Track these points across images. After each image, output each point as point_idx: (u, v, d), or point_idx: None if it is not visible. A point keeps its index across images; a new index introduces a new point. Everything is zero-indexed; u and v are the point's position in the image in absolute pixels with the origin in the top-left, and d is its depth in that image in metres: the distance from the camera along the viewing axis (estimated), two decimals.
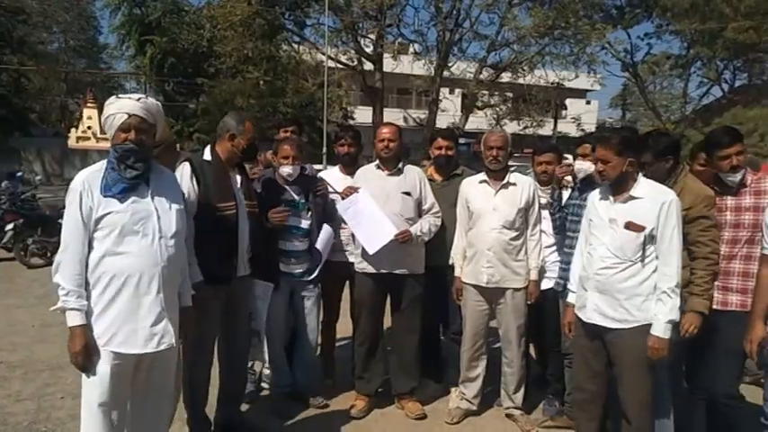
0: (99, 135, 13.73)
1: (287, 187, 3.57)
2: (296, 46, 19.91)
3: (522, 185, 3.54)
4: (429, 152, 4.33)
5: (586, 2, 18.23)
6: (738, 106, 20.38)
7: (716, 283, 2.83)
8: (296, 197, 3.56)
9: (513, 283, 3.51)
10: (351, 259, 3.78)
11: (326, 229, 3.66)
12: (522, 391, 3.65)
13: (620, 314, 2.72)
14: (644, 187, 2.73)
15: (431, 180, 3.90)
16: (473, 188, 3.63)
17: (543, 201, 3.61)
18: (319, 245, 3.61)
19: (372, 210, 3.53)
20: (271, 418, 3.56)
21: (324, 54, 18.33)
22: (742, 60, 23.92)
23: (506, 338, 3.60)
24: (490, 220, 3.50)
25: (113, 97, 2.47)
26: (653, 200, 2.67)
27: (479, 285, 3.55)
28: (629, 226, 2.68)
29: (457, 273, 3.66)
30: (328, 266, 3.73)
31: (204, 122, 18.47)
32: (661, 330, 2.62)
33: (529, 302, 3.53)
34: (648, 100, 26.79)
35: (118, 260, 2.33)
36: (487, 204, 3.53)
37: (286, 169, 3.50)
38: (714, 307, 2.82)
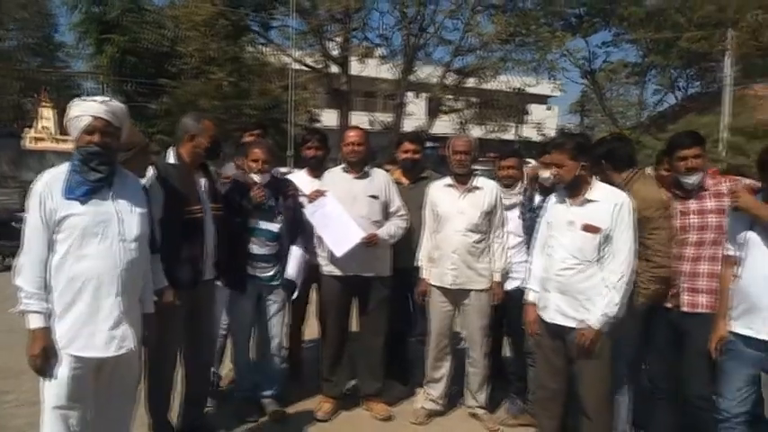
0: (56, 136, 13.27)
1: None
2: (261, 48, 19.74)
3: (487, 189, 3.63)
4: (394, 156, 4.41)
5: (547, 10, 18.71)
6: (692, 113, 21.11)
7: (684, 285, 2.94)
8: (265, 200, 3.55)
9: (478, 284, 3.59)
10: (318, 262, 3.80)
11: (296, 253, 3.61)
12: (486, 390, 3.73)
13: (580, 314, 2.84)
14: (599, 190, 2.88)
15: (398, 183, 3.97)
16: (439, 192, 3.70)
17: (507, 203, 3.70)
18: (291, 271, 3.56)
19: (339, 213, 3.56)
20: (233, 422, 3.54)
21: (289, 56, 18.24)
22: (695, 69, 24.83)
23: (470, 339, 3.68)
24: (455, 223, 3.58)
25: (77, 99, 2.46)
26: (607, 202, 2.82)
27: (444, 287, 3.62)
28: (587, 228, 2.81)
29: (423, 275, 3.72)
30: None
31: (166, 124, 18.09)
32: (593, 321, 2.76)
33: (493, 303, 3.62)
34: (606, 106, 27.52)
35: (78, 263, 2.32)
36: (453, 208, 3.61)
37: (256, 178, 3.49)
38: (684, 309, 2.93)
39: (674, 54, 22.24)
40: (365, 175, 3.74)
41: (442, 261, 3.62)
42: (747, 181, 3.01)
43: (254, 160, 3.51)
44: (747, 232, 2.67)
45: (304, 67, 18.77)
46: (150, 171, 3.01)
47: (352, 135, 3.76)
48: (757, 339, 2.64)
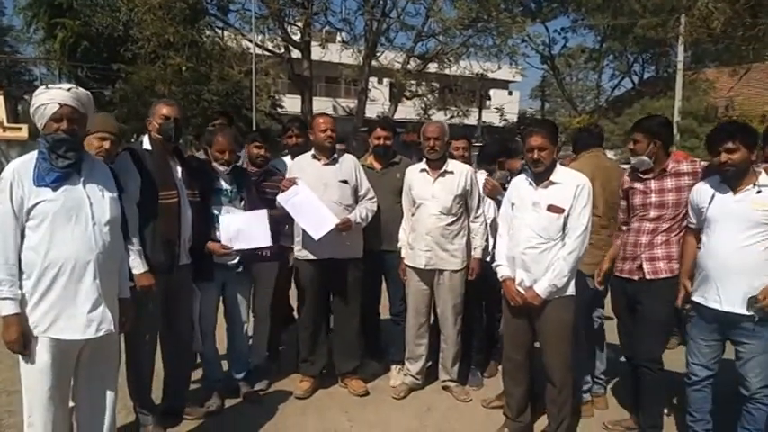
0: (6, 124, 12.72)
1: (219, 176, 3.53)
2: (220, 32, 19.35)
3: (460, 173, 3.75)
4: (352, 143, 4.52)
5: None
6: (647, 97, 21.86)
7: (643, 255, 3.12)
8: (227, 186, 3.54)
9: (451, 265, 3.73)
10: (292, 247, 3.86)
11: (255, 219, 3.50)
12: (458, 365, 3.90)
13: None
14: (561, 173, 3.05)
15: (370, 168, 4.06)
16: (415, 176, 3.81)
17: None
18: (261, 237, 3.48)
19: (312, 201, 3.62)
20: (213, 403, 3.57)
21: (250, 41, 17.97)
22: (650, 54, 25.64)
23: (443, 317, 3.82)
24: (429, 207, 3.70)
25: (42, 87, 2.48)
26: (569, 184, 3.00)
27: (419, 268, 3.74)
28: (551, 208, 2.98)
29: (402, 254, 3.84)
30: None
31: (122, 110, 17.62)
32: (541, 289, 2.96)
33: (470, 278, 3.76)
34: (565, 91, 28.21)
35: (52, 248, 2.34)
36: (426, 192, 3.72)
37: (220, 168, 3.50)
38: (648, 277, 3.10)
39: (630, 40, 22.91)
40: (334, 161, 3.81)
41: (416, 243, 3.74)
42: (705, 163, 3.19)
43: (220, 151, 3.49)
44: (707, 209, 2.87)
45: (265, 52, 18.52)
46: (124, 156, 3.04)
47: (324, 122, 3.81)
48: (710, 308, 2.86)
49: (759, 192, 2.75)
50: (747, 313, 2.75)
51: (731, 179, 2.81)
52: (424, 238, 3.70)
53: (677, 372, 3.40)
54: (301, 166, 3.82)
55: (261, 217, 3.49)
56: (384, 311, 4.33)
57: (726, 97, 18.08)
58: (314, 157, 3.82)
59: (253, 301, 3.90)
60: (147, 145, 3.18)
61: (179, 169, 3.24)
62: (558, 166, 3.10)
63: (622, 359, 3.67)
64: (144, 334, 3.09)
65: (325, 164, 3.79)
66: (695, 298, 2.95)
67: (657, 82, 24.21)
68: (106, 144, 3.00)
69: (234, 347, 3.76)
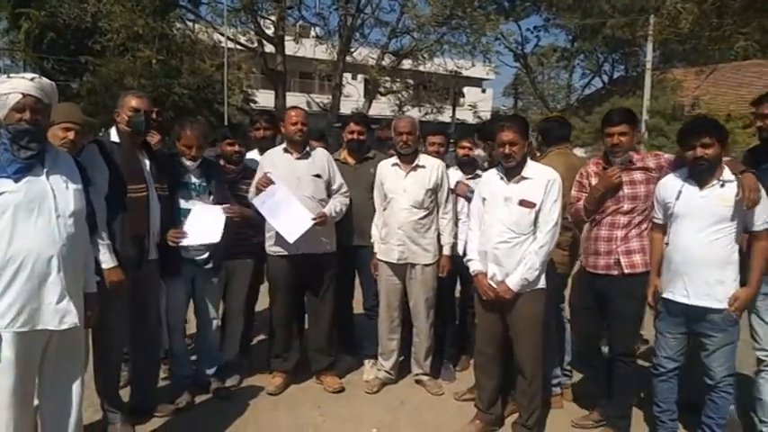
0: None
1: (188, 170, 3.47)
2: (191, 24, 19.02)
3: (432, 167, 3.76)
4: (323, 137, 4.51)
5: None
6: (616, 96, 22.26)
7: (619, 250, 3.13)
8: (196, 180, 3.48)
9: (423, 259, 3.74)
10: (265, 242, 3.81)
11: (210, 214, 3.41)
12: (431, 359, 3.92)
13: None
14: (532, 168, 3.08)
15: (344, 163, 4.04)
16: (386, 171, 3.81)
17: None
18: (204, 235, 3.37)
19: (289, 200, 3.57)
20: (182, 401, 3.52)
21: (222, 34, 17.70)
22: (619, 54, 26.08)
23: (416, 311, 3.84)
24: (401, 201, 3.70)
25: (4, 76, 2.41)
26: (541, 178, 3.03)
27: (391, 262, 3.74)
28: (523, 203, 3.01)
29: (375, 249, 3.83)
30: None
31: (89, 103, 17.20)
32: (513, 283, 2.99)
33: (441, 275, 3.78)
34: (537, 89, 28.50)
35: (14, 241, 2.28)
36: (398, 186, 3.72)
37: (187, 163, 3.44)
38: (626, 271, 3.12)
39: (600, 40, 23.28)
40: (307, 155, 3.77)
41: (389, 237, 3.74)
42: (669, 156, 3.26)
43: (187, 146, 3.43)
44: (674, 204, 2.92)
45: (237, 46, 18.27)
46: (91, 148, 2.97)
47: (295, 115, 3.76)
48: (677, 302, 2.92)
49: (723, 186, 2.82)
50: (714, 307, 2.82)
51: (701, 174, 2.86)
52: (396, 233, 3.71)
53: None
54: (273, 161, 3.76)
55: (218, 213, 3.41)
56: (357, 307, 4.32)
57: (692, 96, 18.50)
58: (285, 150, 3.78)
59: (226, 298, 3.85)
60: (114, 137, 3.12)
61: (147, 162, 3.19)
62: (528, 161, 3.13)
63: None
64: (111, 330, 3.03)
65: (298, 158, 3.75)
66: (663, 294, 3.00)
67: (627, 81, 24.64)
68: (71, 135, 2.93)
69: (203, 343, 3.71)
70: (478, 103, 25.89)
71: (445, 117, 23.84)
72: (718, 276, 2.82)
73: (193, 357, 3.86)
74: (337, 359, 4.04)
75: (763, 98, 3.16)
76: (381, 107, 21.86)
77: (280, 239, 3.66)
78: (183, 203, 3.41)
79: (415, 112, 20.50)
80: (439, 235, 3.80)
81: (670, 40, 13.18)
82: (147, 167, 3.17)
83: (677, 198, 2.91)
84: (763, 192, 2.79)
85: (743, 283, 2.87)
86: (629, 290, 3.12)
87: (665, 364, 3.05)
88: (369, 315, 4.12)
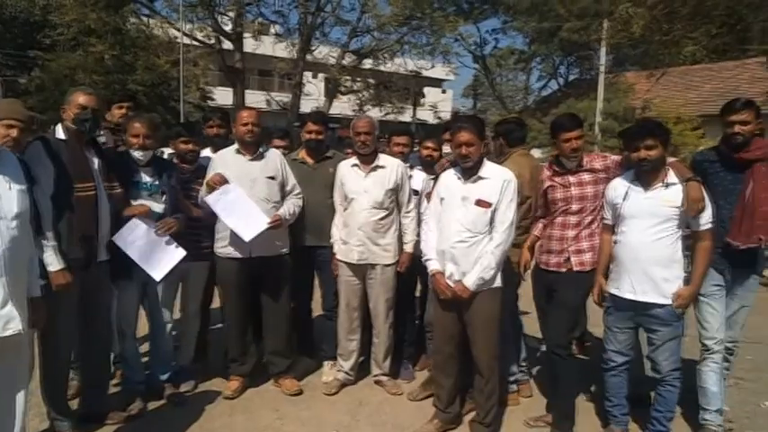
0: None
1: (139, 168, 3.35)
2: (146, 19, 18.54)
3: (391, 167, 3.76)
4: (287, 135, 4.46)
5: None
6: (571, 98, 22.82)
7: (570, 249, 3.24)
8: (148, 179, 3.38)
9: (383, 259, 3.74)
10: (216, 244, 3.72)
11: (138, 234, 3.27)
12: (390, 359, 3.92)
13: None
14: (489, 168, 3.12)
15: (303, 163, 4.00)
16: (346, 171, 3.79)
17: None
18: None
19: (243, 201, 3.51)
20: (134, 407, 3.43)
21: (178, 30, 17.32)
22: (574, 57, 26.75)
23: (375, 311, 3.83)
24: (361, 202, 3.68)
25: None
26: (497, 179, 3.07)
27: (351, 262, 3.73)
28: (479, 203, 3.04)
29: (335, 250, 3.81)
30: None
31: (39, 99, 16.55)
32: (469, 282, 3.03)
33: (399, 270, 3.78)
34: (496, 91, 28.98)
35: None
36: (359, 186, 3.71)
37: (136, 154, 3.33)
38: (575, 269, 3.23)
39: (556, 43, 23.83)
40: (260, 156, 3.71)
41: (349, 238, 3.72)
42: (615, 157, 3.36)
43: (135, 135, 3.31)
44: (622, 205, 3.02)
45: (194, 42, 17.92)
46: (36, 146, 2.85)
47: (246, 115, 3.68)
48: (624, 298, 3.02)
49: (667, 187, 2.92)
50: (659, 302, 2.92)
51: (645, 175, 2.97)
52: (356, 233, 3.69)
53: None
54: (225, 161, 3.67)
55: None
56: (317, 308, 4.28)
57: (643, 99, 19.13)
58: (238, 152, 3.70)
59: (181, 301, 3.76)
60: (60, 134, 3.00)
61: (96, 160, 3.08)
62: (485, 161, 3.16)
63: (543, 348, 3.82)
64: (59, 335, 2.91)
65: (251, 159, 3.68)
66: (611, 290, 3.10)
67: (581, 84, 25.28)
68: (13, 132, 2.79)
69: (156, 348, 3.61)
70: (438, 104, 26.09)
71: (406, 117, 23.95)
72: (662, 274, 2.92)
73: (146, 359, 3.75)
74: (295, 361, 3.99)
75: (732, 105, 3.18)
76: (342, 106, 21.81)
77: (231, 241, 3.58)
78: (134, 203, 3.30)
79: (375, 112, 20.55)
80: (399, 235, 3.80)
81: (622, 44, 13.60)
82: (96, 165, 3.06)
83: (624, 199, 3.01)
84: (707, 197, 2.90)
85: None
86: (574, 281, 3.22)
87: (614, 358, 3.14)
88: (328, 316, 4.09)
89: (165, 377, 3.61)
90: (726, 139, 3.17)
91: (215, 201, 3.50)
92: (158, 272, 3.32)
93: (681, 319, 2.98)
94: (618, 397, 3.19)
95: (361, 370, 4.00)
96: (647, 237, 2.93)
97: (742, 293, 3.30)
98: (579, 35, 18.53)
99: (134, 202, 3.29)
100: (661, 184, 2.94)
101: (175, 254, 3.35)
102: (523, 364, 3.84)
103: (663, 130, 2.97)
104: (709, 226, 2.93)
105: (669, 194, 2.91)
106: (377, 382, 3.92)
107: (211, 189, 3.52)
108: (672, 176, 2.95)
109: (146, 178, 3.38)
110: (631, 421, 3.30)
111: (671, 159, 3.06)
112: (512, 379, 3.70)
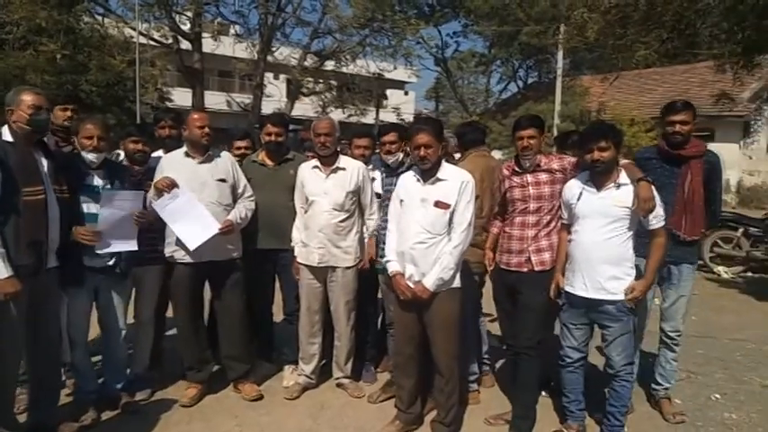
0: None
1: (91, 171, 3.25)
2: (100, 18, 18.00)
3: (352, 169, 3.74)
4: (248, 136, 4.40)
5: None
6: (530, 101, 23.28)
7: (530, 249, 3.29)
8: (100, 182, 3.28)
9: (344, 262, 3.72)
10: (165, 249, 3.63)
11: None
12: (351, 361, 3.90)
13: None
14: (447, 170, 3.14)
15: (262, 165, 3.95)
16: (307, 173, 3.76)
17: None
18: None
19: (193, 205, 3.44)
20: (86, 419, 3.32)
21: (133, 29, 16.87)
22: (533, 61, 27.28)
23: (336, 314, 3.81)
24: (322, 203, 3.66)
25: None
26: (455, 180, 3.10)
27: (312, 265, 3.70)
28: (438, 204, 3.06)
29: (296, 253, 3.77)
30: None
31: None
32: (429, 282, 3.05)
33: (361, 267, 3.77)
34: (457, 93, 29.30)
35: None
36: (319, 188, 3.68)
37: (89, 156, 3.22)
38: (536, 269, 3.28)
39: (516, 46, 24.27)
40: (210, 159, 3.64)
41: (309, 240, 3.69)
42: (571, 158, 3.43)
43: (87, 137, 3.21)
44: (576, 205, 3.10)
45: (151, 42, 17.48)
46: None
47: (199, 118, 3.61)
48: (578, 295, 3.10)
49: (618, 188, 3.01)
50: (609, 299, 3.00)
51: (598, 176, 3.05)
52: (317, 236, 3.67)
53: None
54: (174, 164, 3.57)
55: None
56: (278, 312, 4.23)
57: (598, 102, 19.66)
58: (187, 154, 3.62)
59: (135, 307, 3.66)
60: (6, 136, 2.88)
61: (45, 162, 2.96)
62: (443, 163, 3.19)
63: (504, 347, 3.87)
64: (6, 345, 2.79)
65: (201, 161, 3.61)
66: (566, 287, 3.17)
67: (540, 87, 25.81)
68: None
69: (110, 357, 3.50)
70: (401, 106, 26.19)
71: (369, 119, 23.95)
72: (613, 272, 3.01)
73: (99, 368, 3.64)
74: (255, 366, 3.94)
75: (673, 106, 3.40)
76: (305, 108, 21.65)
77: (183, 245, 3.51)
78: (86, 207, 3.20)
79: (338, 114, 20.49)
80: (361, 237, 3.79)
81: (578, 48, 13.93)
82: (45, 168, 2.95)
83: (578, 199, 3.09)
84: (656, 196, 2.99)
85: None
86: (538, 282, 3.27)
87: (570, 354, 3.21)
88: (289, 320, 4.05)
89: (119, 386, 3.51)
90: (666, 138, 3.39)
91: (162, 206, 3.42)
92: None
93: (631, 314, 3.06)
94: (574, 393, 3.25)
95: (323, 373, 3.97)
96: (599, 236, 3.01)
97: (679, 284, 3.47)
98: (537, 39, 18.91)
99: (85, 207, 3.18)
100: (613, 184, 3.02)
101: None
102: (486, 356, 3.93)
103: (615, 133, 3.06)
104: (662, 223, 3.03)
105: (620, 195, 3.00)
106: (339, 385, 3.90)
107: (159, 192, 3.43)
108: (623, 177, 3.03)
109: (98, 181, 3.27)
110: (588, 416, 3.38)
111: (623, 161, 3.14)
112: (472, 378, 3.74)
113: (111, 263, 3.29)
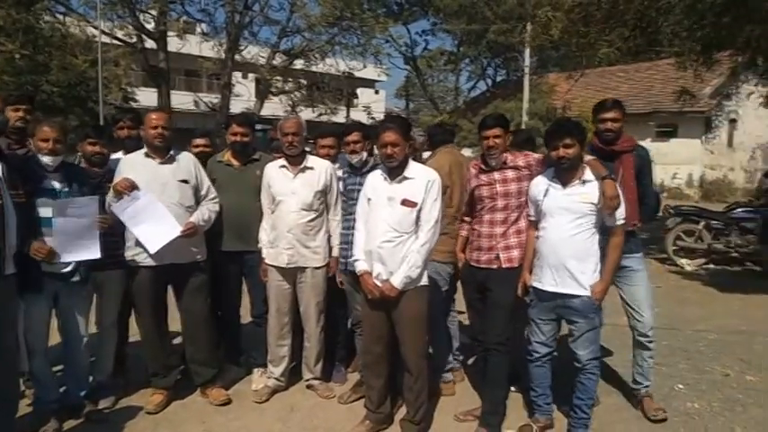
0: None
1: (47, 174, 3.15)
2: (61, 17, 17.52)
3: (320, 169, 3.71)
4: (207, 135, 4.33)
5: None
6: (499, 99, 23.55)
7: (499, 246, 3.31)
8: (58, 186, 3.18)
9: (313, 262, 3.69)
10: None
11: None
12: (321, 362, 3.88)
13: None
14: (414, 168, 3.15)
15: (228, 165, 3.89)
16: (274, 172, 3.72)
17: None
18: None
19: (154, 207, 3.36)
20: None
21: (96, 28, 16.46)
22: (501, 59, 27.59)
23: (306, 315, 3.78)
24: (290, 203, 3.63)
25: None
26: (422, 178, 3.11)
27: (280, 266, 3.66)
28: (405, 202, 3.06)
29: (263, 254, 3.73)
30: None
31: None
32: (397, 281, 3.05)
33: (329, 275, 3.76)
34: (427, 91, 29.46)
35: None
36: (287, 188, 3.65)
37: (45, 159, 3.12)
38: (504, 266, 3.30)
39: (484, 45, 24.52)
40: (171, 160, 3.57)
41: (277, 241, 3.65)
42: (537, 155, 3.47)
43: (44, 140, 3.11)
44: (542, 201, 3.13)
45: (115, 41, 17.09)
46: None
47: (155, 118, 3.53)
48: (546, 290, 3.13)
49: (583, 184, 3.05)
50: (576, 293, 3.04)
51: (564, 173, 3.08)
52: (285, 236, 3.63)
53: None
54: (133, 165, 3.49)
55: (92, 225, 3.17)
56: (246, 315, 4.17)
57: (564, 99, 19.98)
58: (147, 155, 3.54)
59: (97, 313, 3.56)
60: None
61: (1, 166, 2.86)
62: (410, 161, 3.19)
63: (475, 343, 3.89)
64: None
65: (162, 162, 3.53)
66: (534, 283, 3.20)
67: (508, 85, 26.14)
68: None
69: (71, 365, 3.40)
70: (372, 104, 26.18)
71: (339, 118, 23.88)
72: (580, 267, 3.04)
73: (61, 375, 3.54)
74: (223, 370, 3.89)
75: (604, 104, 3.54)
76: (274, 107, 21.42)
77: (142, 248, 3.43)
78: (43, 212, 3.10)
79: (308, 113, 20.36)
80: (329, 237, 3.77)
81: (545, 47, 14.13)
82: (1, 171, 2.85)
83: (544, 196, 3.12)
84: (621, 194, 3.04)
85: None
86: (507, 280, 3.30)
87: (538, 350, 3.24)
88: (257, 323, 4.00)
89: (82, 394, 3.42)
90: (598, 135, 3.51)
91: (122, 209, 3.34)
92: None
93: (598, 309, 3.11)
94: (542, 387, 3.29)
95: (293, 375, 3.94)
96: (566, 232, 3.05)
97: (632, 275, 3.52)
98: (505, 37, 19.10)
99: (42, 211, 3.08)
100: (578, 181, 3.06)
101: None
102: (457, 352, 3.97)
103: (580, 130, 3.10)
104: (622, 222, 3.08)
105: (586, 191, 3.04)
106: (309, 387, 3.87)
107: (119, 195, 3.35)
108: (588, 174, 3.07)
109: (55, 185, 3.18)
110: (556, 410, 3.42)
111: (587, 158, 3.19)
112: (447, 367, 3.79)
113: (70, 269, 3.19)
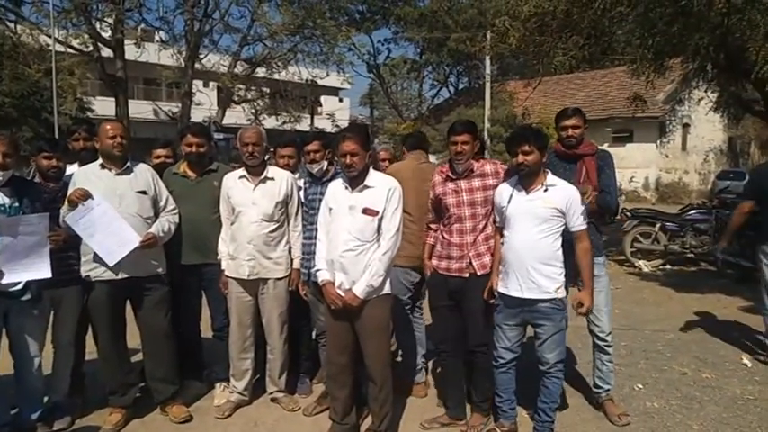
0: None
1: None
2: (12, 25, 16.97)
3: (281, 179, 3.68)
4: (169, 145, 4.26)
5: (332, 4, 19.34)
6: (462, 106, 23.86)
7: (470, 254, 3.33)
8: (5, 200, 3.07)
9: (275, 273, 3.65)
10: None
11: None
12: (285, 375, 3.82)
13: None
14: (374, 177, 3.15)
15: (184, 177, 3.81)
16: (233, 183, 3.67)
17: None
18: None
19: (110, 217, 3.26)
20: None
21: (49, 36, 15.99)
22: (463, 67, 27.95)
23: (269, 327, 3.72)
24: (250, 214, 3.58)
25: None
26: (382, 187, 3.11)
27: (241, 278, 3.60)
28: (366, 211, 3.06)
29: (223, 266, 3.67)
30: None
31: None
32: (359, 290, 3.05)
33: (291, 288, 3.72)
34: (391, 99, 29.57)
35: None
36: (247, 199, 3.60)
37: None
38: (478, 273, 3.32)
39: (445, 53, 24.80)
40: (128, 171, 3.48)
41: (237, 253, 3.60)
42: (503, 165, 3.51)
43: None
44: (506, 207, 3.17)
45: (69, 50, 16.62)
46: None
47: (111, 128, 3.44)
48: (512, 296, 3.16)
49: (546, 190, 3.10)
50: (542, 297, 3.08)
51: (525, 179, 3.13)
52: (245, 247, 3.58)
53: None
54: (89, 177, 3.39)
55: (42, 244, 3.05)
56: (206, 328, 4.09)
57: (524, 106, 20.37)
58: (103, 166, 3.44)
59: (53, 331, 3.44)
60: None
61: None
62: (371, 170, 3.19)
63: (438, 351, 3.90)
64: None
65: (118, 173, 3.44)
66: (500, 289, 3.23)
67: (471, 92, 26.50)
68: None
69: (22, 385, 3.27)
70: (336, 112, 26.15)
71: (304, 126, 23.77)
72: (544, 271, 3.09)
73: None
74: (184, 386, 3.79)
75: (565, 112, 3.68)
76: (237, 116, 21.20)
77: (99, 262, 3.33)
78: None
79: (272, 121, 20.20)
80: (290, 248, 3.73)
81: (504, 55, 14.39)
82: None
83: (508, 202, 3.16)
84: (579, 199, 3.11)
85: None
86: (483, 285, 3.32)
87: (503, 355, 3.27)
88: (218, 336, 3.91)
89: (35, 416, 3.28)
90: (561, 141, 3.65)
91: (75, 220, 3.22)
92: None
93: (562, 312, 3.15)
94: (507, 392, 3.31)
95: (257, 388, 3.87)
96: (530, 237, 3.09)
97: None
98: (465, 45, 19.35)
99: None
100: (541, 186, 3.11)
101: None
102: (423, 359, 3.98)
103: (539, 137, 3.14)
104: (585, 225, 3.14)
105: (549, 196, 3.08)
106: (273, 400, 3.80)
107: (74, 206, 3.24)
108: (551, 179, 3.13)
109: (3, 200, 3.06)
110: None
111: None
112: (418, 368, 3.85)
113: (20, 287, 3.07)
